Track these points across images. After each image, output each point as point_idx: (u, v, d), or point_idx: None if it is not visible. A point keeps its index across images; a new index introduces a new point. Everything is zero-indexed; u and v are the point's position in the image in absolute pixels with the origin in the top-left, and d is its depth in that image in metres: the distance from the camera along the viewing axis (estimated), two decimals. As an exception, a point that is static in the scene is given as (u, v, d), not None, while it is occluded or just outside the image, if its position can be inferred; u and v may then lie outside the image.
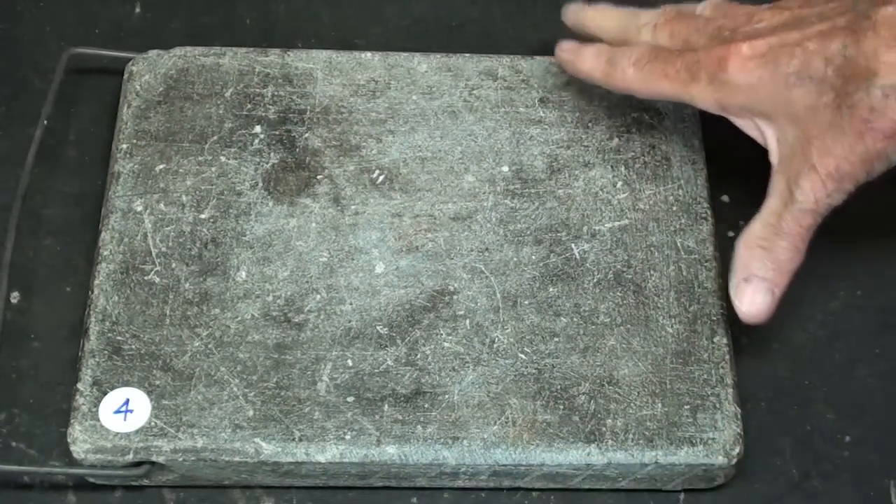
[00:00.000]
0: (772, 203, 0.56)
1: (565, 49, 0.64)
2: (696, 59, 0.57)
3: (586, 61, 0.62)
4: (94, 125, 0.66)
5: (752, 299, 0.56)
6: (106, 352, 0.57)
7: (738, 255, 0.57)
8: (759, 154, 0.66)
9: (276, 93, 0.64)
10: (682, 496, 0.57)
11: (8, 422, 0.58)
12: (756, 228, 0.56)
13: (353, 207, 0.61)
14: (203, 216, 0.60)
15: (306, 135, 0.63)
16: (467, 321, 0.58)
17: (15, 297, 0.61)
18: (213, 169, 0.62)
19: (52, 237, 0.63)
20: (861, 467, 0.58)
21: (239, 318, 0.58)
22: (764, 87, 0.56)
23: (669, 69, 0.58)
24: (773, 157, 0.57)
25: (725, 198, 0.65)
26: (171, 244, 0.60)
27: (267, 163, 0.62)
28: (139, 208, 0.60)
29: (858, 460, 0.59)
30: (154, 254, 0.59)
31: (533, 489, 0.57)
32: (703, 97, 0.58)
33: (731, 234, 0.64)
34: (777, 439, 0.59)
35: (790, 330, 0.61)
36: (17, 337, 0.60)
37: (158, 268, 0.59)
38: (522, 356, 0.57)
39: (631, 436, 0.56)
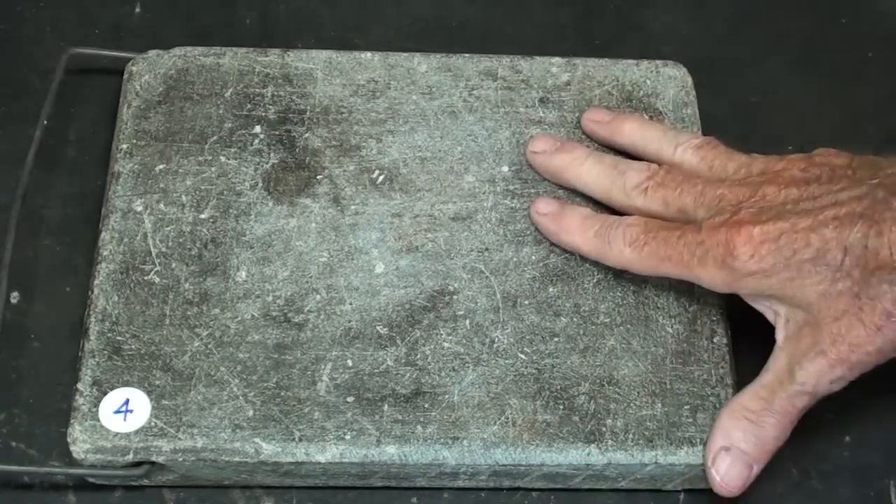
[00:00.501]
0: (768, 378, 0.55)
1: (543, 213, 0.60)
2: (700, 240, 0.55)
3: (573, 233, 0.59)
4: (94, 125, 0.66)
5: (729, 471, 0.55)
6: (106, 352, 0.57)
7: (720, 422, 0.55)
8: (758, 154, 0.66)
9: (276, 93, 0.64)
10: (682, 496, 0.57)
11: (8, 422, 0.58)
12: (746, 399, 0.55)
13: (353, 207, 0.61)
14: (203, 216, 0.60)
15: (306, 135, 0.63)
16: (467, 321, 0.58)
17: (15, 297, 0.61)
18: (213, 169, 0.62)
19: (52, 237, 0.63)
20: (861, 467, 0.59)
21: (239, 318, 0.58)
22: (776, 273, 0.54)
23: (672, 252, 0.56)
24: (779, 335, 0.55)
25: None
26: (171, 244, 0.60)
27: (267, 163, 0.62)
28: (139, 208, 0.60)
29: (858, 460, 0.59)
30: (154, 254, 0.59)
31: (533, 489, 0.57)
32: (712, 281, 0.55)
33: None
34: None
35: None
36: (17, 337, 0.60)
37: (158, 268, 0.59)
38: (522, 356, 0.57)
39: (631, 436, 0.56)
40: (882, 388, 0.60)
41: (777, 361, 0.55)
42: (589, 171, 0.60)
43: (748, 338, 0.60)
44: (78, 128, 0.66)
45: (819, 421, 0.59)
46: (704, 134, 0.64)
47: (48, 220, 0.63)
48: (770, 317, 0.56)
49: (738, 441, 0.54)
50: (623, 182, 0.59)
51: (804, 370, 0.54)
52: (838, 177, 0.55)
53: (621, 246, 0.57)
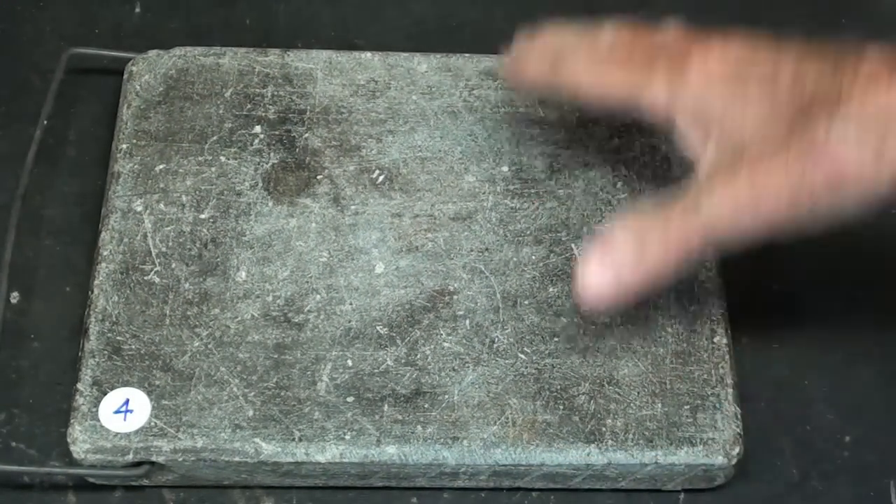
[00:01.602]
0: (672, 203, 0.51)
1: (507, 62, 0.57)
2: (661, 46, 0.52)
3: (530, 63, 0.56)
4: (94, 125, 0.66)
5: (599, 278, 0.52)
6: (106, 352, 0.57)
7: (609, 232, 0.52)
8: None
9: (275, 93, 0.64)
10: (682, 496, 0.57)
11: (8, 422, 0.58)
12: (641, 216, 0.51)
13: (353, 207, 0.61)
14: (203, 216, 0.60)
15: (306, 135, 0.63)
16: (467, 321, 0.58)
17: (15, 297, 0.61)
18: (213, 169, 0.62)
19: (52, 237, 0.62)
20: (861, 467, 0.58)
21: (239, 319, 0.58)
22: (721, 89, 0.51)
23: (627, 57, 0.53)
24: (700, 171, 0.51)
25: None
26: (171, 244, 0.60)
27: (267, 163, 0.62)
28: (139, 208, 0.60)
29: (858, 460, 0.59)
30: (154, 254, 0.59)
31: (533, 489, 0.57)
32: (656, 91, 0.52)
33: None
34: (777, 439, 0.59)
35: (790, 330, 0.61)
36: (17, 337, 0.60)
37: (158, 268, 0.59)
38: (522, 356, 0.57)
39: (631, 436, 0.56)
40: (882, 388, 0.60)
41: (687, 191, 0.50)
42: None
43: (748, 338, 0.61)
44: (78, 128, 0.66)
45: (819, 421, 0.59)
46: None
47: (48, 220, 0.63)
48: (697, 155, 0.52)
49: (618, 251, 0.51)
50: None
51: (710, 199, 0.49)
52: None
53: (578, 58, 0.55)
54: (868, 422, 0.59)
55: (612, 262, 0.51)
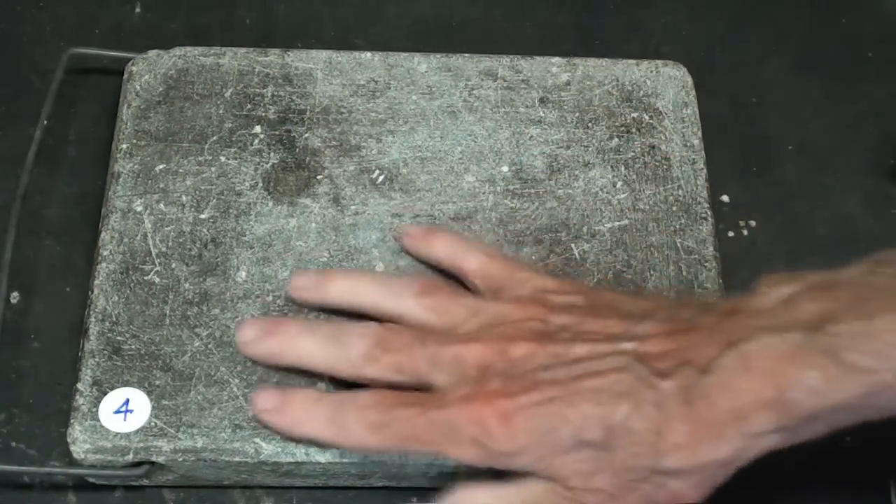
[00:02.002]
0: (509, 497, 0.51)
1: (264, 409, 0.54)
2: (448, 418, 0.50)
3: (304, 426, 0.54)
4: (94, 125, 0.66)
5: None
6: (106, 352, 0.57)
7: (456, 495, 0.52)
8: (758, 154, 0.66)
9: (275, 93, 0.64)
10: None
11: (8, 422, 0.58)
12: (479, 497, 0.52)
13: (352, 208, 0.61)
14: (203, 216, 0.60)
15: (306, 135, 0.63)
16: (467, 321, 0.58)
17: (15, 297, 0.61)
18: (213, 169, 0.62)
19: (52, 237, 0.63)
20: (861, 467, 0.58)
21: (239, 318, 0.58)
22: (534, 451, 0.50)
23: (417, 432, 0.51)
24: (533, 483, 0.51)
25: (725, 198, 0.65)
26: (170, 244, 0.60)
27: (267, 163, 0.62)
28: (139, 208, 0.60)
29: (858, 460, 0.59)
30: (154, 254, 0.59)
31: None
32: (467, 460, 0.51)
33: (730, 234, 0.64)
34: None
35: None
36: (17, 337, 0.60)
37: (158, 268, 0.59)
38: None
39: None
40: None
41: (527, 490, 0.51)
42: (306, 348, 0.55)
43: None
44: (78, 128, 0.66)
45: None
46: (704, 130, 0.63)
47: (48, 220, 0.63)
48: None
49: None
50: (347, 354, 0.54)
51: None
52: (584, 333, 0.52)
53: (360, 432, 0.52)
54: (868, 422, 0.59)
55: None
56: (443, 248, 0.58)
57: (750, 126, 0.68)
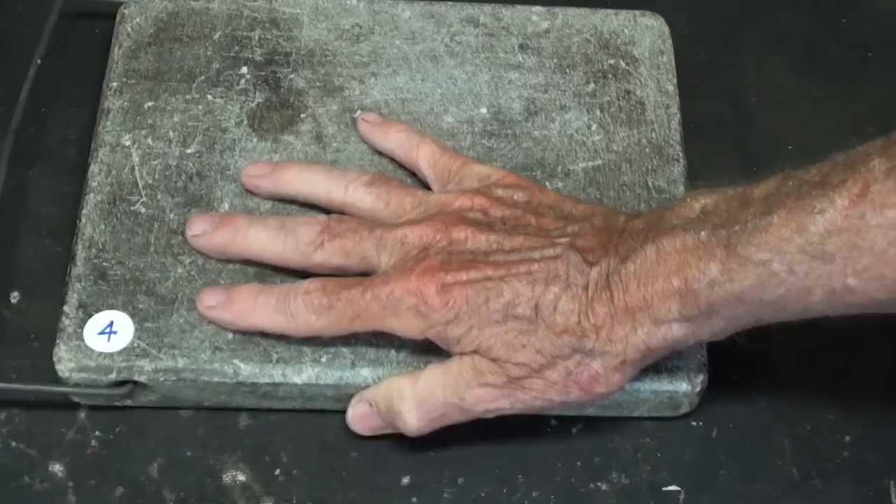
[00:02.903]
0: (433, 380, 0.55)
1: (209, 305, 0.57)
2: (390, 291, 0.54)
3: (251, 316, 0.56)
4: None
5: (364, 421, 0.57)
6: (92, 277, 0.58)
7: (386, 383, 0.56)
8: (758, 154, 0.67)
9: (262, 36, 0.66)
10: (682, 496, 0.58)
11: (8, 422, 0.59)
12: (405, 385, 0.55)
13: (334, 145, 0.63)
14: (189, 151, 0.62)
15: (291, 76, 0.65)
16: (443, 253, 0.60)
17: (15, 297, 0.61)
18: (200, 107, 0.64)
19: (52, 237, 0.63)
20: (861, 467, 0.59)
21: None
22: (466, 320, 0.53)
23: (360, 309, 0.54)
24: (459, 353, 0.55)
25: None
26: (157, 177, 0.62)
27: (252, 102, 0.64)
28: (127, 143, 0.62)
29: (858, 460, 0.59)
30: (140, 185, 0.61)
31: (511, 415, 0.58)
32: (406, 330, 0.55)
33: None
34: (777, 439, 0.59)
35: (790, 330, 0.61)
36: (17, 337, 0.60)
37: (144, 199, 0.61)
38: None
39: (598, 363, 0.57)
40: (882, 388, 0.61)
41: (449, 371, 0.55)
42: (256, 238, 0.58)
43: (748, 338, 0.60)
44: (78, 126, 0.66)
45: (819, 421, 0.60)
46: (701, 129, 0.64)
47: (48, 220, 0.64)
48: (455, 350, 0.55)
49: (381, 404, 0.56)
50: (295, 242, 0.57)
51: (468, 390, 0.54)
52: (523, 227, 0.55)
53: (306, 316, 0.55)
54: (868, 422, 0.60)
55: (376, 410, 0.57)
56: (397, 138, 0.61)
57: (750, 126, 0.68)
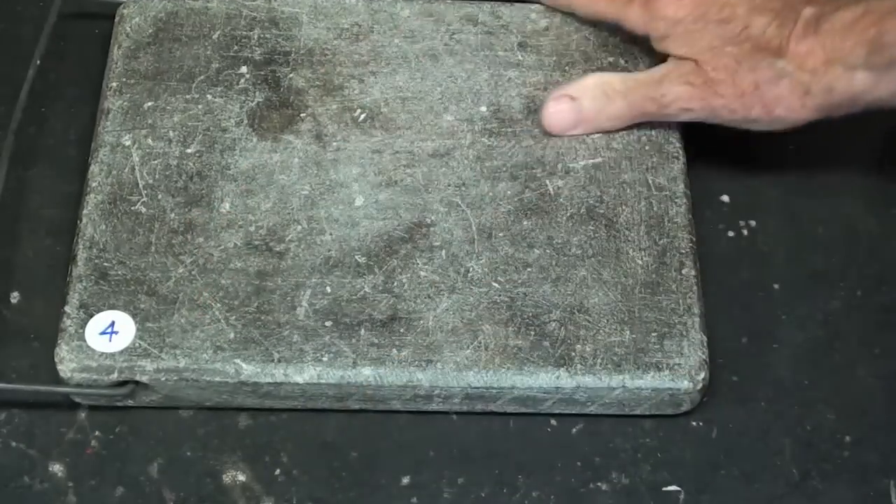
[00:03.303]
0: (641, 77, 0.63)
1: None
2: None
3: None
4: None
5: (562, 111, 0.63)
6: (93, 277, 0.59)
7: (585, 79, 0.63)
8: (758, 155, 0.67)
9: (262, 35, 0.66)
10: (681, 496, 0.58)
11: (8, 422, 0.59)
12: (615, 79, 0.63)
13: (334, 144, 0.63)
14: (189, 151, 0.62)
15: (291, 75, 0.65)
16: (443, 252, 0.60)
17: (15, 297, 0.61)
18: (200, 106, 0.64)
19: (52, 237, 0.63)
20: (861, 467, 0.59)
21: (222, 247, 0.60)
22: (686, 24, 0.61)
23: None
24: (670, 60, 0.62)
25: (725, 198, 0.66)
26: (157, 177, 0.62)
27: (252, 101, 0.64)
28: (127, 143, 0.62)
29: (858, 460, 0.59)
30: (141, 185, 0.61)
31: (505, 413, 0.59)
32: (635, 21, 0.63)
33: (730, 234, 0.65)
34: (777, 439, 0.59)
35: (790, 330, 0.62)
36: (17, 337, 0.60)
37: (145, 199, 0.61)
38: (496, 285, 0.59)
39: (599, 360, 0.57)
40: (882, 388, 0.61)
41: (656, 72, 0.62)
42: None
43: (748, 338, 0.62)
44: (78, 126, 0.66)
45: (819, 421, 0.60)
46: (705, 129, 0.64)
47: (48, 220, 0.64)
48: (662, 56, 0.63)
49: (586, 99, 0.63)
50: None
51: (670, 86, 0.61)
52: None
53: None
54: (868, 422, 0.60)
55: (577, 110, 0.63)
56: None
57: None
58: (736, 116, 0.61)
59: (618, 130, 0.63)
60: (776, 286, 0.63)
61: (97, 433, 0.58)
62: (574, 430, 0.59)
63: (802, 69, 0.59)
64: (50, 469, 0.57)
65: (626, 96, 0.62)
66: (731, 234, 0.65)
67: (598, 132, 0.63)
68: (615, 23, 0.64)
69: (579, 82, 0.63)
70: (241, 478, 0.57)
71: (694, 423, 0.59)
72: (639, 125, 0.64)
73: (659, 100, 0.62)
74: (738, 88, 0.60)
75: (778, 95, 0.60)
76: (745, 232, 0.65)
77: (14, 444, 0.58)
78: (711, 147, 0.65)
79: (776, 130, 0.61)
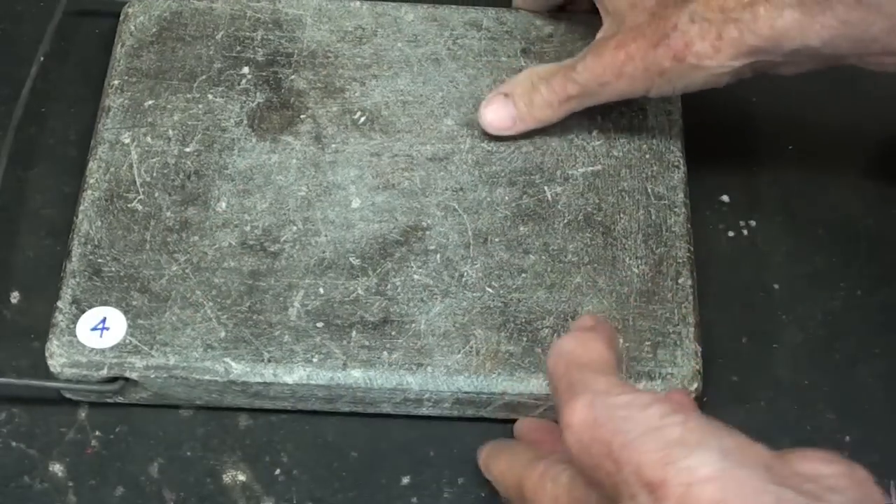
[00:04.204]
0: (566, 61, 0.61)
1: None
2: None
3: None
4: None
5: (498, 111, 0.62)
6: (86, 273, 0.59)
7: (520, 75, 0.62)
8: (758, 155, 0.67)
9: (265, 36, 0.66)
10: None
11: (8, 421, 0.59)
12: (542, 68, 0.62)
13: (333, 146, 0.63)
14: (188, 149, 0.62)
15: (292, 77, 0.65)
16: (438, 256, 0.60)
17: (15, 297, 0.62)
18: (200, 106, 0.64)
19: (52, 237, 0.63)
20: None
21: (217, 246, 0.60)
22: None
23: None
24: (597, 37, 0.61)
25: (725, 198, 0.65)
26: (155, 175, 0.62)
27: (252, 102, 0.64)
28: (126, 140, 0.62)
29: (858, 460, 0.57)
30: (138, 183, 0.61)
31: (496, 419, 0.58)
32: None
33: (730, 234, 0.64)
34: (777, 439, 0.58)
35: (790, 330, 0.62)
36: (17, 337, 0.60)
37: (142, 196, 0.61)
38: (490, 290, 0.59)
39: (591, 368, 0.57)
40: (882, 388, 0.61)
41: (580, 54, 0.60)
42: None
43: (748, 338, 0.61)
44: (79, 127, 0.66)
45: (819, 421, 0.60)
46: (705, 135, 0.64)
47: (48, 220, 0.64)
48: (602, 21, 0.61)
49: (517, 94, 0.62)
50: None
51: (584, 63, 0.59)
52: None
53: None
54: (868, 422, 0.60)
55: (508, 106, 0.62)
56: None
57: (750, 126, 0.68)
58: (654, 84, 0.58)
59: (556, 124, 0.62)
60: (776, 286, 0.63)
61: (97, 433, 0.58)
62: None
63: (710, 9, 0.55)
64: (50, 469, 0.57)
65: (548, 81, 0.61)
66: (731, 234, 0.64)
67: (537, 126, 0.62)
68: None
69: (513, 78, 0.62)
70: (241, 478, 0.57)
71: (694, 423, 0.59)
72: (639, 133, 0.64)
73: (575, 78, 0.60)
74: (650, 41, 0.57)
75: (687, 42, 0.56)
76: (745, 232, 0.65)
77: (14, 443, 0.58)
78: (711, 147, 0.65)
79: (707, 87, 0.58)
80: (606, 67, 0.58)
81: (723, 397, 0.59)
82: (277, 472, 0.57)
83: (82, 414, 0.59)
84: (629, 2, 0.58)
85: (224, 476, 0.57)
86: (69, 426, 0.58)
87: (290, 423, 0.59)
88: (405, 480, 0.58)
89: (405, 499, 0.57)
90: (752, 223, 0.65)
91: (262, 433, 0.58)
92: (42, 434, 0.58)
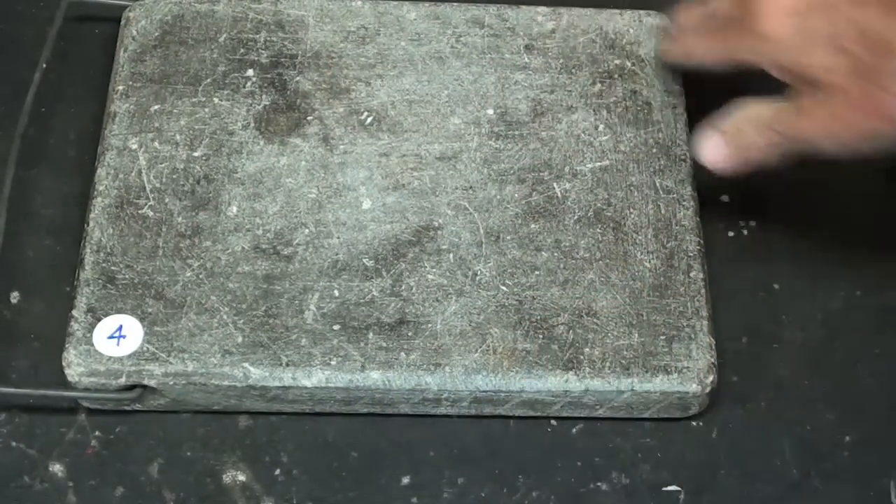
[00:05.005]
0: (776, 105, 0.59)
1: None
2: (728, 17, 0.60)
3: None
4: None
5: (716, 150, 0.61)
6: (100, 281, 0.58)
7: (730, 113, 0.60)
8: None
9: (268, 38, 0.66)
10: (682, 496, 0.58)
11: (8, 422, 0.59)
12: (752, 111, 0.60)
13: (341, 147, 0.63)
14: (196, 154, 0.62)
15: (297, 78, 0.65)
16: (451, 255, 0.60)
17: (15, 297, 0.61)
18: (207, 110, 0.64)
19: (52, 237, 0.63)
20: (861, 467, 0.59)
21: (230, 251, 0.60)
22: (791, 42, 0.57)
23: (715, 29, 0.61)
24: (787, 97, 0.59)
25: (725, 198, 0.66)
26: (164, 180, 0.61)
27: (259, 104, 0.64)
28: (134, 146, 0.62)
29: (858, 460, 0.59)
30: (148, 189, 0.61)
31: (513, 417, 0.59)
32: (745, 56, 0.60)
33: (730, 234, 0.65)
34: (777, 439, 0.59)
35: (790, 330, 0.62)
36: (17, 337, 0.60)
37: (152, 202, 0.61)
38: (504, 288, 0.59)
39: (608, 364, 0.57)
40: (882, 388, 0.61)
41: (789, 104, 0.58)
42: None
43: (748, 338, 0.62)
44: (78, 125, 0.66)
45: (819, 421, 0.60)
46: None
47: (48, 220, 0.64)
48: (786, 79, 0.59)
49: (728, 133, 0.60)
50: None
51: (808, 120, 0.57)
52: None
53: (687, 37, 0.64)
54: (868, 422, 0.60)
55: (720, 144, 0.61)
56: None
57: None
58: (862, 139, 0.56)
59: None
60: (776, 286, 0.63)
61: (97, 433, 0.58)
62: (574, 430, 0.59)
63: None
64: (50, 469, 0.57)
65: (757, 126, 0.59)
66: (731, 234, 0.65)
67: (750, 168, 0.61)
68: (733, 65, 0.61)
69: (726, 115, 0.61)
70: (241, 478, 0.57)
71: (694, 424, 0.59)
72: (645, 127, 0.64)
73: (801, 133, 0.58)
74: (859, 105, 0.55)
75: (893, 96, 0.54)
76: (745, 232, 0.65)
77: (14, 444, 0.58)
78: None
79: None
80: (827, 123, 0.57)
81: (723, 397, 0.60)
82: (277, 472, 0.58)
83: (82, 414, 0.59)
84: (824, 66, 0.56)
85: (224, 476, 0.58)
86: (69, 426, 0.58)
87: (289, 423, 0.59)
88: (405, 480, 0.58)
89: (405, 499, 0.58)
90: (752, 223, 0.65)
91: (262, 433, 0.59)
92: (42, 434, 0.58)
